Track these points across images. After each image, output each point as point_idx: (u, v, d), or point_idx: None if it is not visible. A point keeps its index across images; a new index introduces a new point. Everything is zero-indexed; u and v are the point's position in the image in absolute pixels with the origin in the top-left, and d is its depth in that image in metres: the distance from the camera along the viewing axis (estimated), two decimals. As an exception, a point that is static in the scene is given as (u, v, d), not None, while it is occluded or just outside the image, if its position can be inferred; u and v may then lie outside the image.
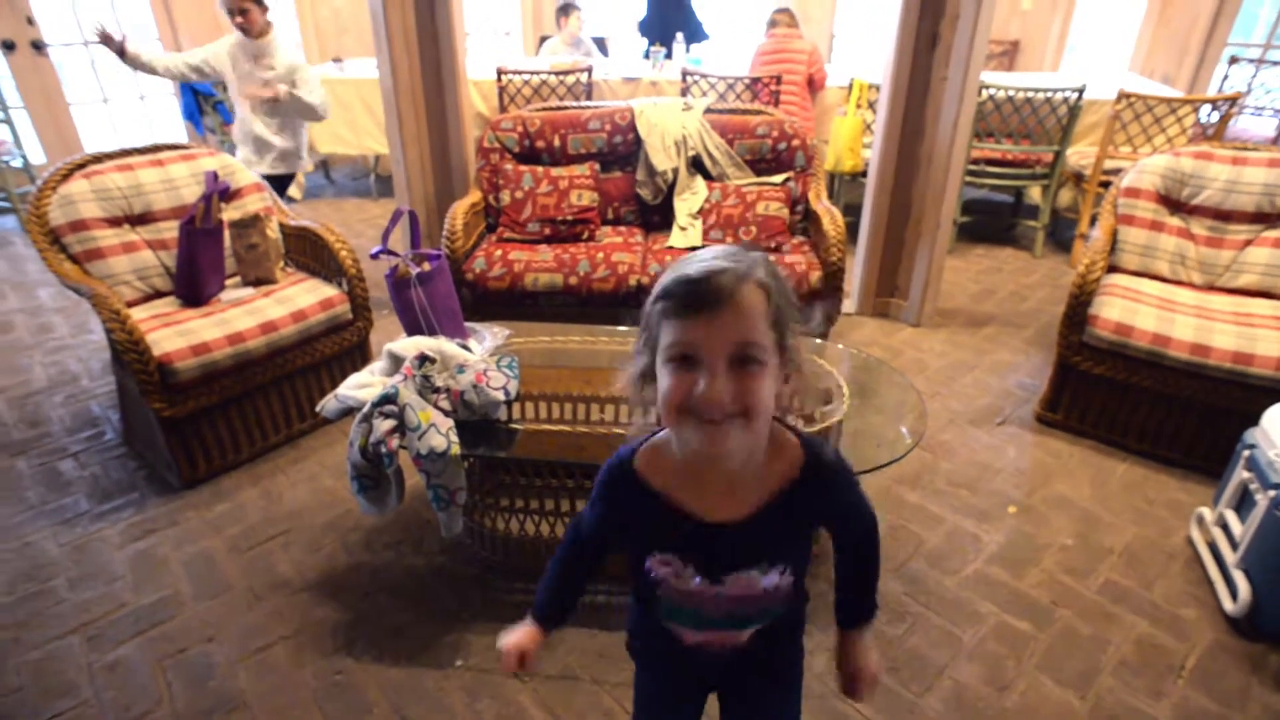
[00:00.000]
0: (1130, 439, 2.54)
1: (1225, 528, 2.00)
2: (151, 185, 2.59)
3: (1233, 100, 3.76)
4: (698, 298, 0.77)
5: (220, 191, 2.56)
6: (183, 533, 2.22)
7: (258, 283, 2.64)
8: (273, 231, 2.66)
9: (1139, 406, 2.49)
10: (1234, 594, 1.87)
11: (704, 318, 0.77)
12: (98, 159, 2.58)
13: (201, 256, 2.49)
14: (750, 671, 1.07)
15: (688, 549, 0.91)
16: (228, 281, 2.66)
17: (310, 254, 2.74)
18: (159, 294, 2.58)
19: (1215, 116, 3.86)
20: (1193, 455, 2.43)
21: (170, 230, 2.59)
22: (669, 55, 5.16)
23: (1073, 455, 2.55)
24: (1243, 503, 1.95)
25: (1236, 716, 1.67)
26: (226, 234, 2.61)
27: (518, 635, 1.05)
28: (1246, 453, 1.96)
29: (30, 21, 4.73)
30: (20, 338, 3.35)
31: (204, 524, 2.25)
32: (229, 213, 2.65)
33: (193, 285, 2.51)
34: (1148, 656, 1.82)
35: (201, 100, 4.96)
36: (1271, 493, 1.79)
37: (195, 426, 2.35)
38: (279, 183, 3.45)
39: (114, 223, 2.52)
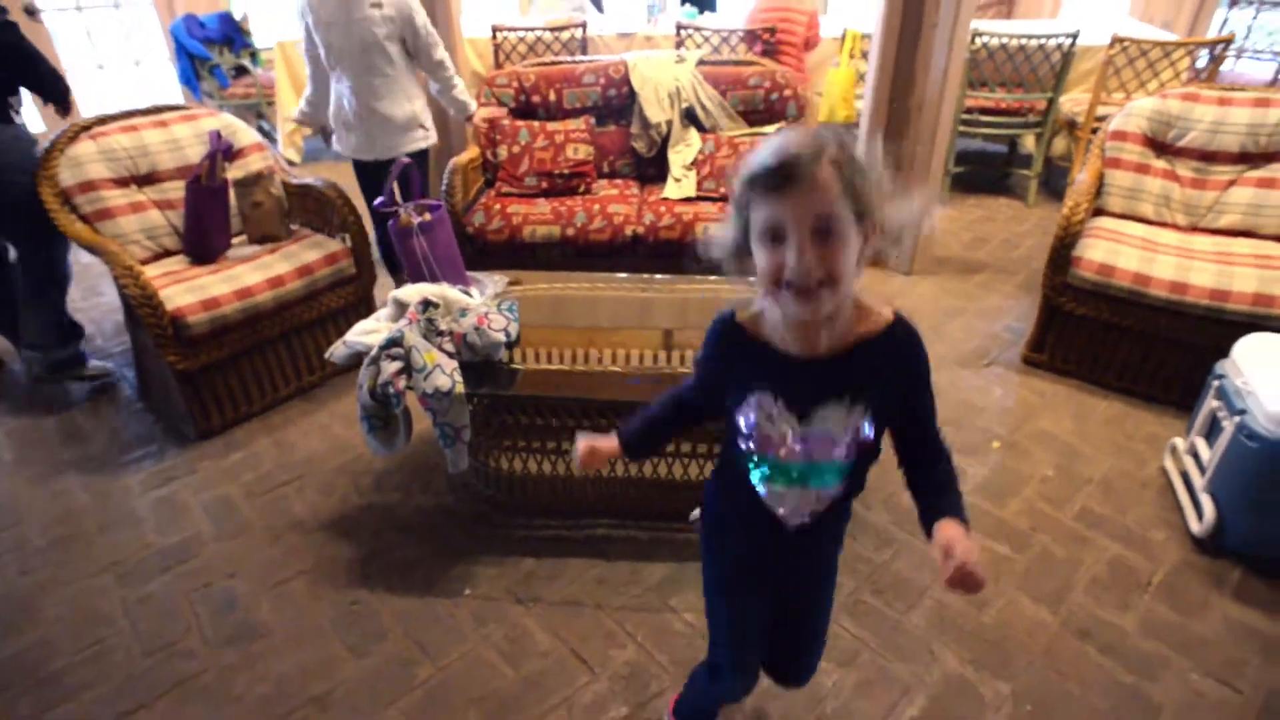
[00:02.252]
0: (1111, 377, 2.62)
1: (1195, 455, 2.09)
2: (156, 146, 2.65)
3: (1226, 43, 3.76)
4: (777, 181, 0.88)
5: (224, 150, 2.62)
6: (201, 480, 2.33)
7: (263, 240, 2.71)
8: (276, 189, 2.72)
9: (1120, 345, 2.57)
10: (1200, 515, 1.97)
11: (785, 197, 0.88)
12: (102, 121, 2.63)
13: (208, 214, 2.56)
14: (804, 561, 1.20)
15: (779, 383, 1.02)
16: (234, 239, 2.73)
17: (314, 211, 2.80)
18: (168, 253, 2.66)
19: (1210, 62, 3.86)
20: (1170, 391, 2.52)
21: (176, 190, 2.65)
22: (662, 9, 5.13)
23: (1056, 393, 2.64)
24: (1212, 431, 2.03)
25: (1196, 624, 1.79)
26: (231, 193, 2.67)
27: (597, 438, 1.20)
28: (1216, 383, 2.04)
29: (23, -13, 4.72)
30: (33, 301, 3.43)
31: (220, 471, 2.36)
32: (233, 172, 2.71)
33: (201, 243, 2.58)
34: (1118, 575, 1.93)
35: (198, 65, 4.97)
36: (1237, 418, 1.87)
37: (208, 379, 2.44)
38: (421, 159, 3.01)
39: (121, 183, 2.58)
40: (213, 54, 5.00)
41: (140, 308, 2.24)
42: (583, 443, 1.22)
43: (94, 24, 5.47)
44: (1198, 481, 2.03)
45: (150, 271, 2.46)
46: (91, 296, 3.47)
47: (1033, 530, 2.07)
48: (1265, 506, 1.85)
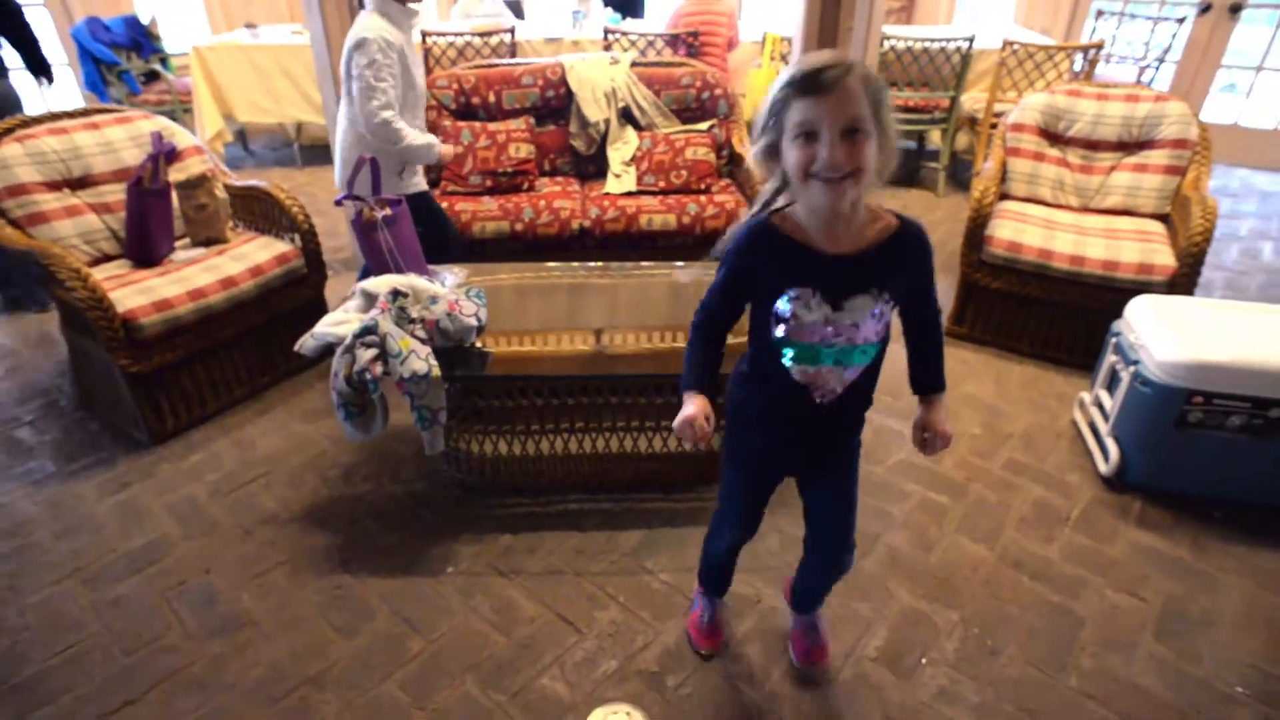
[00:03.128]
0: (1024, 344, 2.90)
1: (1100, 405, 2.36)
2: (89, 148, 2.59)
3: (1098, 47, 4.18)
4: (817, 84, 1.06)
5: (166, 153, 2.58)
6: (160, 483, 2.29)
7: (208, 242, 2.68)
8: (220, 192, 2.69)
9: (1030, 315, 2.85)
10: (1106, 457, 2.23)
11: (821, 99, 1.06)
12: (26, 123, 2.55)
13: (152, 217, 2.52)
14: (830, 438, 1.37)
15: (815, 278, 1.18)
16: (177, 243, 2.68)
17: (259, 212, 2.78)
18: (107, 257, 2.59)
19: (1086, 64, 4.27)
20: (1074, 354, 2.81)
21: (113, 193, 2.60)
22: (586, 15, 5.26)
23: (978, 361, 2.90)
24: (1112, 382, 2.30)
25: (1108, 549, 2.04)
26: (174, 195, 2.63)
27: (690, 408, 1.28)
28: (1113, 340, 2.31)
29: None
30: (-57, 317, 3.26)
31: (180, 474, 2.33)
32: (173, 175, 2.67)
33: (144, 246, 2.53)
34: (1042, 513, 2.17)
35: (104, 70, 4.77)
36: (1132, 368, 2.14)
37: (161, 382, 2.41)
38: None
39: (53, 186, 2.51)
40: (120, 58, 4.82)
41: (90, 310, 2.19)
42: (681, 421, 1.27)
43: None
44: (1103, 428, 2.30)
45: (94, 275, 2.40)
46: (5, 310, 3.31)
47: (967, 481, 2.29)
48: (1160, 444, 2.12)
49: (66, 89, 5.43)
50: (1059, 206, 3.04)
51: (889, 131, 1.11)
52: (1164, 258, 2.59)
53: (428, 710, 1.63)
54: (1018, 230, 2.78)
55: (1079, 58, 4.27)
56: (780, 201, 1.23)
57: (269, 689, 1.68)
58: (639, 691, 1.66)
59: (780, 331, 1.23)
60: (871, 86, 1.08)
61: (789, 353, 1.24)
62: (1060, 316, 2.80)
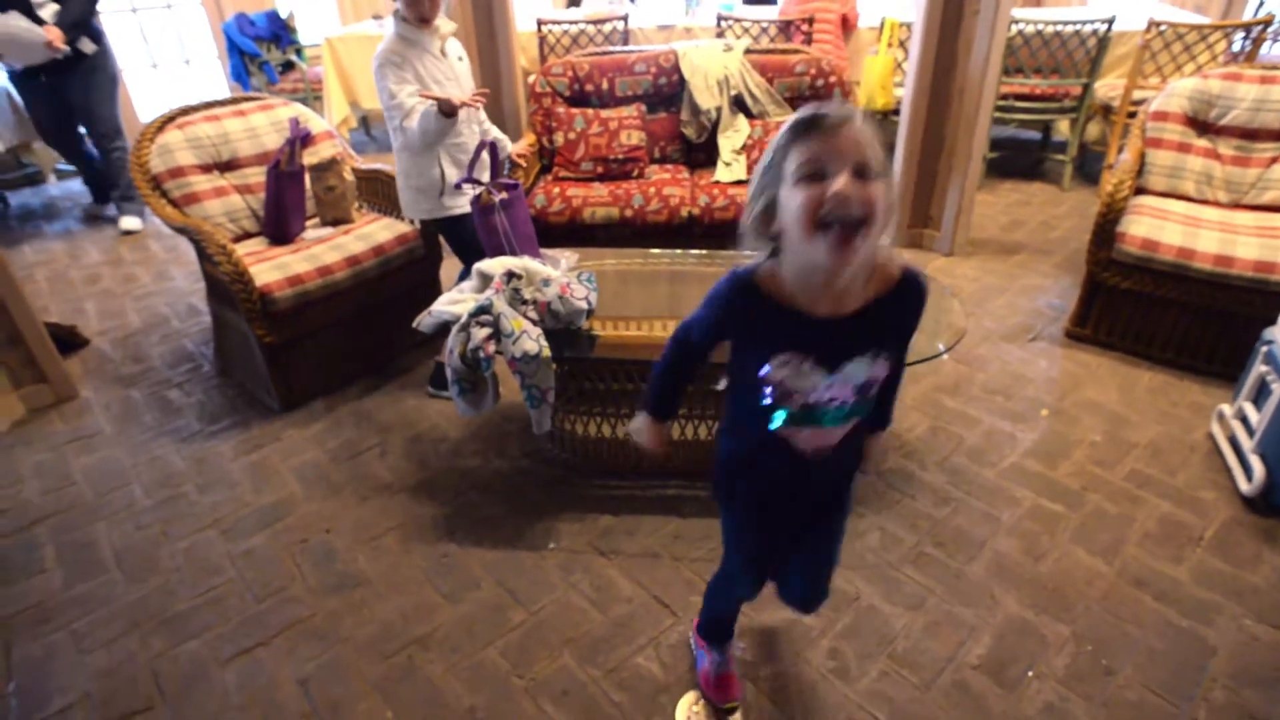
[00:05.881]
0: (1155, 349, 2.70)
1: (1244, 419, 2.18)
2: (236, 134, 2.80)
3: (1266, 24, 3.81)
4: (825, 120, 0.96)
5: (301, 137, 2.76)
6: (287, 447, 2.47)
7: (335, 223, 2.85)
8: (348, 175, 2.86)
9: (1164, 318, 2.65)
10: (1249, 476, 2.06)
11: (830, 136, 0.96)
12: (186, 111, 2.78)
13: (287, 197, 2.70)
14: (821, 488, 1.29)
15: (806, 344, 1.07)
16: (308, 222, 2.87)
17: (382, 194, 2.94)
18: (247, 235, 2.80)
19: (1248, 44, 3.91)
20: (1214, 362, 2.59)
21: (254, 175, 2.80)
22: (699, 2, 5.24)
23: (1101, 365, 2.73)
24: (1260, 395, 2.12)
25: (1248, 575, 1.88)
26: (306, 177, 2.81)
27: (650, 436, 1.36)
28: (1265, 348, 2.12)
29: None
30: (109, 287, 3.60)
31: (305, 439, 2.50)
32: (306, 158, 2.85)
33: (280, 225, 2.72)
34: (1169, 530, 2.02)
35: (248, 61, 5.13)
36: (1286, 379, 1.96)
37: (291, 354, 2.58)
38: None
39: (206, 169, 2.73)
40: (262, 51, 5.16)
41: (234, 284, 2.38)
42: (636, 434, 1.38)
43: (148, 25, 5.66)
44: (1246, 444, 2.12)
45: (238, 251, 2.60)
46: (162, 281, 3.64)
47: (1084, 490, 2.17)
48: (1313, 463, 1.94)
49: (212, 80, 5.87)
50: (1204, 202, 2.81)
51: (892, 184, 1.00)
52: (1329, 260, 2.36)
53: (526, 679, 1.70)
54: (1155, 227, 2.59)
55: (1239, 37, 3.91)
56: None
57: (380, 645, 1.79)
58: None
59: (767, 398, 1.13)
60: (877, 134, 0.98)
61: (778, 418, 1.14)
62: (1199, 321, 2.59)
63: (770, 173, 1.02)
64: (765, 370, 1.10)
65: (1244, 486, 2.08)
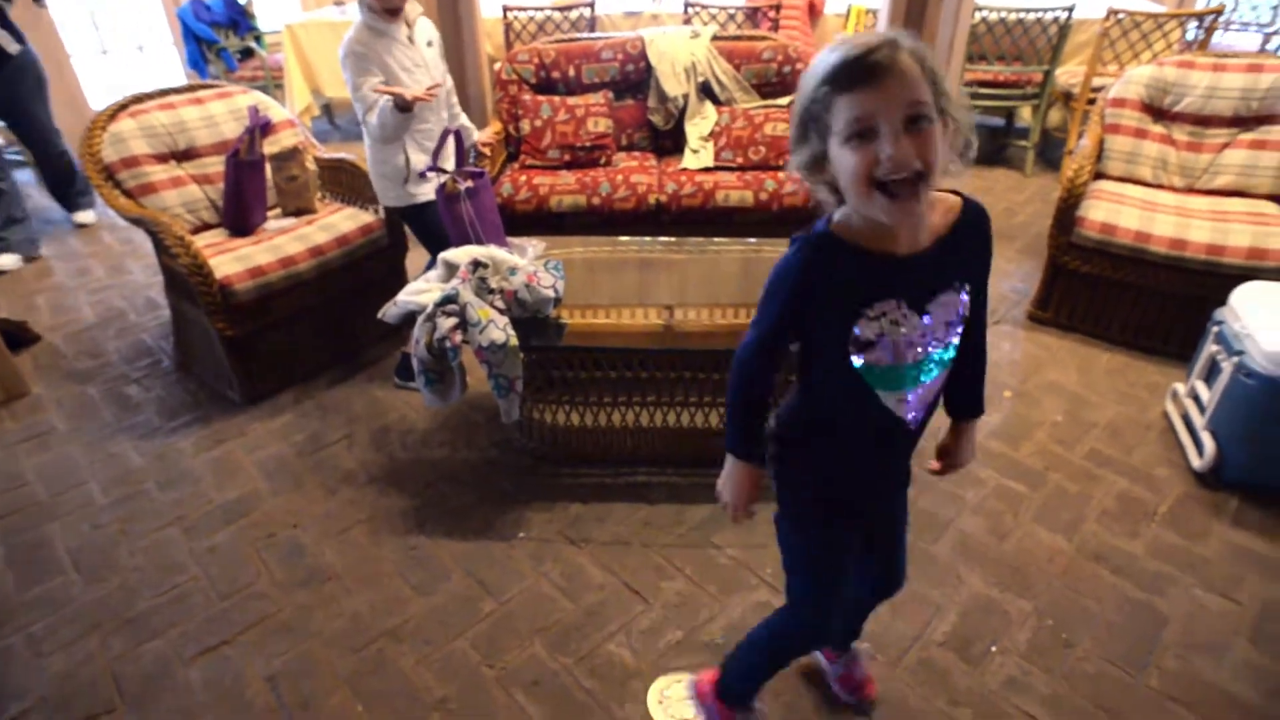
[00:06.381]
0: (1114, 331, 2.76)
1: (1196, 398, 2.24)
2: (193, 122, 2.73)
3: (1217, 14, 3.89)
4: (865, 70, 0.87)
5: (261, 126, 2.70)
6: (251, 441, 2.43)
7: (298, 213, 2.80)
8: (310, 164, 2.81)
9: (1122, 301, 2.71)
10: (1201, 452, 2.12)
11: (874, 87, 0.87)
12: (139, 99, 2.71)
13: (247, 187, 2.65)
14: (902, 467, 1.24)
15: (895, 286, 1.00)
16: (269, 213, 2.81)
17: (345, 184, 2.89)
18: (206, 226, 2.74)
19: (1201, 33, 3.99)
20: (1169, 343, 2.66)
21: (213, 165, 2.74)
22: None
23: (1061, 347, 2.78)
24: (1211, 373, 2.18)
25: (1199, 548, 1.94)
26: (267, 167, 2.75)
27: (738, 486, 1.20)
28: (1215, 328, 2.18)
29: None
30: (62, 281, 3.50)
31: (269, 433, 2.46)
32: (267, 147, 2.79)
33: (240, 215, 2.67)
34: (1126, 507, 2.08)
35: (205, 48, 5.01)
36: (1236, 359, 2.02)
37: (253, 346, 2.54)
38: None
39: (161, 159, 2.66)
40: (220, 37, 5.04)
41: (192, 276, 2.33)
42: (729, 487, 1.21)
43: (98, 9, 5.49)
44: (1198, 421, 2.18)
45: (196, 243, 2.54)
46: (118, 275, 3.55)
47: (1045, 469, 2.22)
48: (1262, 439, 2.00)
49: (167, 67, 5.72)
50: (1160, 187, 2.87)
51: (954, 108, 0.92)
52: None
53: (497, 669, 1.69)
54: (1113, 212, 2.64)
55: (1193, 25, 4.00)
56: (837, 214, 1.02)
57: (350, 639, 1.77)
58: (703, 662, 1.68)
59: (862, 360, 1.03)
60: (927, 62, 0.89)
61: (878, 383, 1.05)
62: (1154, 303, 2.65)
63: (814, 125, 0.94)
64: (860, 326, 1.01)
65: (1196, 462, 2.14)
